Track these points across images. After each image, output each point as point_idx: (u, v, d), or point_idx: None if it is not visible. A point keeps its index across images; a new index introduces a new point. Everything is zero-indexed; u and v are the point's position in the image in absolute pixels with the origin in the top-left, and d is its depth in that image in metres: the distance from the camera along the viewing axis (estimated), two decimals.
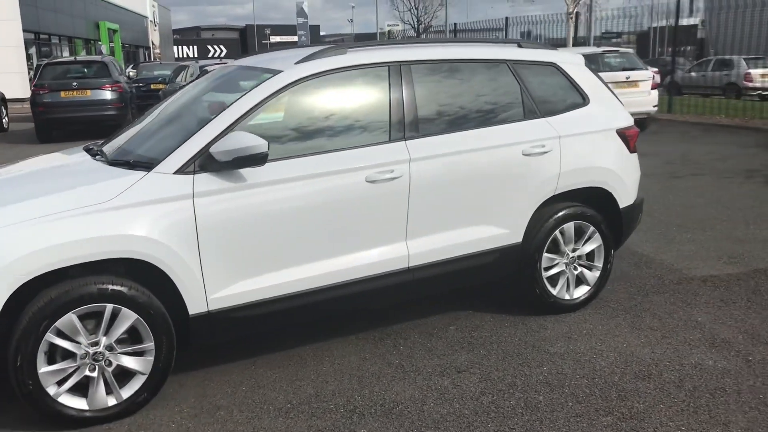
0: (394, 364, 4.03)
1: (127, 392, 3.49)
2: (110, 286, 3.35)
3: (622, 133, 4.79)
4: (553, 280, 4.64)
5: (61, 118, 15.21)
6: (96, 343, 3.38)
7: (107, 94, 15.46)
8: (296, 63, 3.96)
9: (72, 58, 16.92)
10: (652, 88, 13.78)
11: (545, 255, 4.54)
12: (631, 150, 4.85)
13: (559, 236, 4.57)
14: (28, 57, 33.86)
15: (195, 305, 3.56)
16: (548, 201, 4.52)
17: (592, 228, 4.66)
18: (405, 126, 4.06)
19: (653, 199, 8.17)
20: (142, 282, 3.49)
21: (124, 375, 3.50)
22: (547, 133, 4.48)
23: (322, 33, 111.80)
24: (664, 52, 42.89)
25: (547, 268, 4.59)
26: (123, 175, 3.54)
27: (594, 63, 13.76)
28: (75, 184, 3.52)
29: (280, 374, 3.94)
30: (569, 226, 4.58)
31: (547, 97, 4.63)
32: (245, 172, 3.63)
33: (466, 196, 4.21)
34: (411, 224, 4.06)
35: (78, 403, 3.40)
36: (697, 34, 45.65)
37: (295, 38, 74.21)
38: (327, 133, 3.95)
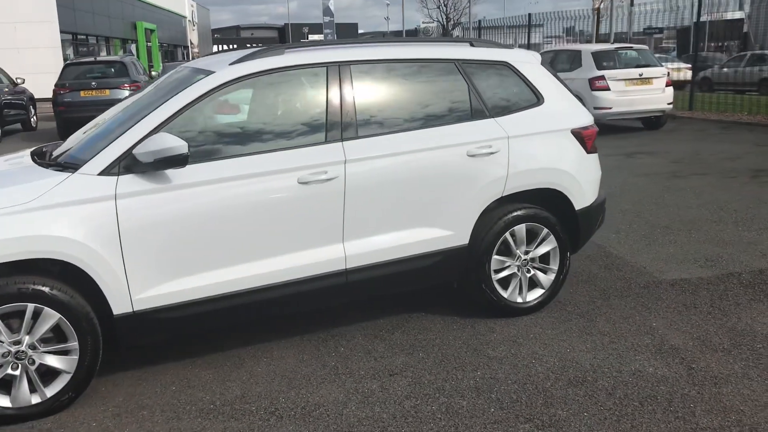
0: (329, 366, 4.01)
1: (51, 391, 3.53)
2: (31, 286, 3.40)
3: (578, 133, 4.69)
4: (505, 282, 4.57)
5: (80, 117, 15.48)
6: (18, 342, 3.43)
7: (125, 94, 15.69)
8: (230, 64, 3.96)
9: (92, 59, 17.23)
10: (666, 85, 13.45)
11: (495, 257, 4.47)
12: (589, 150, 4.75)
13: (510, 238, 4.49)
14: (66, 58, 34.66)
15: (119, 306, 3.59)
16: (497, 202, 4.45)
17: (545, 230, 4.57)
18: (342, 127, 4.04)
19: (647, 199, 7.99)
20: (72, 282, 3.53)
21: (49, 374, 3.54)
22: (495, 133, 4.41)
23: (360, 30, 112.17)
24: (705, 48, 41.84)
25: (498, 271, 4.53)
26: (49, 176, 3.59)
27: (608, 60, 13.52)
28: (2, 185, 3.58)
29: (214, 375, 3.95)
30: (520, 228, 4.51)
31: (498, 97, 4.55)
32: (171, 173, 3.64)
33: (406, 198, 4.16)
34: (348, 226, 4.04)
35: (1, 400, 3.46)
36: (743, 28, 44.33)
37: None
38: (260, 134, 3.94)
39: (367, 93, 4.18)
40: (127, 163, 3.57)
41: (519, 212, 4.48)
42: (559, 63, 14.09)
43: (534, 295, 4.66)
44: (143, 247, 3.58)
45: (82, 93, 15.53)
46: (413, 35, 60.61)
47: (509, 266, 4.55)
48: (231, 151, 3.83)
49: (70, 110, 15.55)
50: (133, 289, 3.60)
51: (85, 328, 3.53)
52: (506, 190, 4.43)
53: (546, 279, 4.67)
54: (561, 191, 4.62)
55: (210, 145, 3.81)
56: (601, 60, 13.25)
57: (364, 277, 4.14)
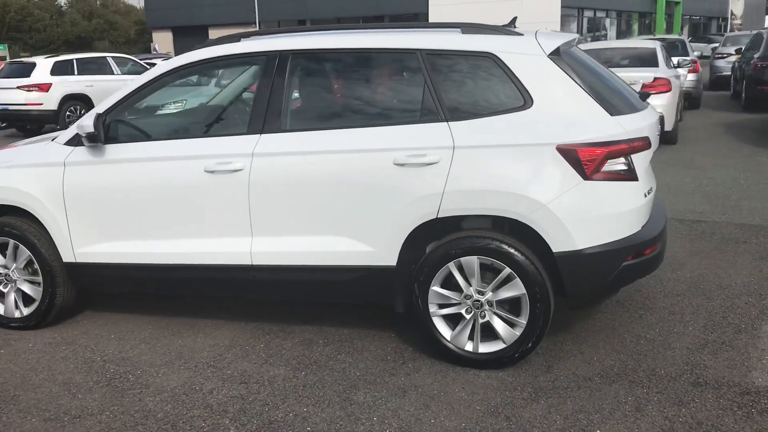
0: (195, 353, 4.02)
1: (27, 311, 4.45)
2: (7, 228, 4.33)
3: (570, 151, 3.46)
4: (453, 322, 3.77)
5: None
6: (5, 266, 4.43)
7: None
8: (193, 50, 4.17)
9: None
10: None
11: (436, 289, 3.72)
12: (590, 175, 3.46)
13: (455, 270, 3.66)
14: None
15: (66, 254, 4.28)
16: (438, 225, 3.67)
17: (508, 270, 3.58)
18: (266, 119, 3.88)
19: None
20: (40, 230, 4.32)
21: (27, 297, 4.45)
22: (436, 141, 3.61)
23: None
24: None
25: (443, 306, 3.76)
26: (44, 144, 4.43)
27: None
28: (14, 150, 4.56)
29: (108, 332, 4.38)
30: (470, 261, 3.63)
31: (467, 97, 3.67)
32: (110, 148, 4.12)
33: (317, 202, 3.79)
34: (255, 221, 3.91)
35: None
36: None
37: None
38: (191, 119, 4.10)
39: (303, 85, 3.91)
40: (80, 137, 4.18)
41: (465, 241, 3.62)
42: None
43: (490, 347, 3.72)
44: (79, 209, 4.18)
45: None
46: None
47: (456, 304, 3.72)
48: (161, 134, 4.11)
49: None
50: (75, 243, 4.24)
51: (51, 266, 4.32)
52: (442, 211, 3.60)
53: (507, 332, 3.66)
54: (528, 224, 3.52)
55: (146, 127, 4.16)
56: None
57: (271, 277, 3.96)
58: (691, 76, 14.90)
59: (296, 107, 3.91)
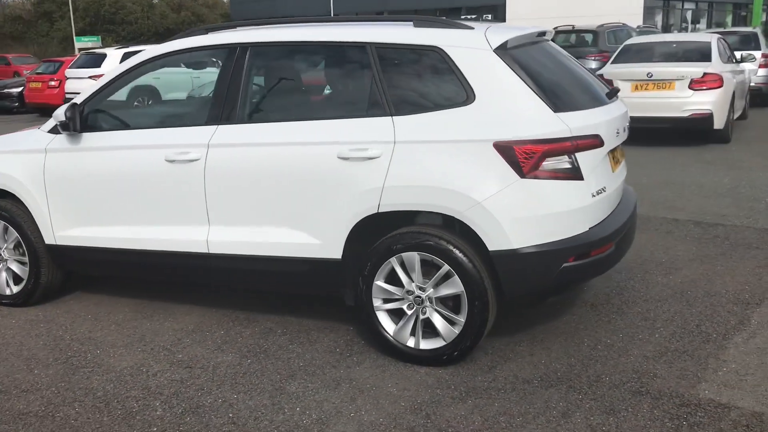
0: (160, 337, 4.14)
1: (16, 289, 4.70)
2: (1, 204, 4.58)
3: (507, 148, 3.37)
4: (396, 316, 3.75)
5: None
6: None
7: (592, 65, 15.55)
8: (166, 42, 4.30)
9: (570, 27, 17.24)
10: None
11: (379, 284, 3.71)
12: (527, 173, 3.37)
13: (397, 266, 3.65)
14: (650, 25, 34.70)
15: (48, 237, 4.50)
16: (378, 220, 3.65)
17: (447, 267, 3.54)
18: (223, 110, 3.96)
19: None
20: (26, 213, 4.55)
21: (18, 277, 4.71)
22: (379, 135, 3.59)
23: None
24: None
25: (387, 301, 3.75)
26: (31, 129, 4.67)
27: None
28: (5, 136, 4.82)
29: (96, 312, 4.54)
30: (411, 257, 3.60)
31: (412, 91, 3.64)
32: (85, 136, 4.31)
33: (268, 194, 3.84)
34: (211, 211, 4.00)
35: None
36: None
37: None
38: (158, 110, 4.22)
39: (259, 77, 3.97)
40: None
41: (406, 237, 3.59)
42: None
43: (431, 344, 3.68)
44: (58, 194, 4.38)
45: None
46: None
47: (398, 299, 3.71)
48: (132, 123, 4.26)
49: None
50: (54, 226, 4.45)
51: (35, 248, 4.55)
52: (382, 206, 3.58)
53: (447, 329, 3.62)
54: (464, 222, 3.46)
55: (120, 116, 4.30)
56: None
57: (227, 266, 4.05)
58: (762, 71, 14.15)
59: (253, 99, 3.97)
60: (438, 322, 3.64)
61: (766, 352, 3.75)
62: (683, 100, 9.81)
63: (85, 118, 4.30)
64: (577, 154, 3.44)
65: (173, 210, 4.10)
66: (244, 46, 3.99)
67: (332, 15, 41.13)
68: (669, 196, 7.30)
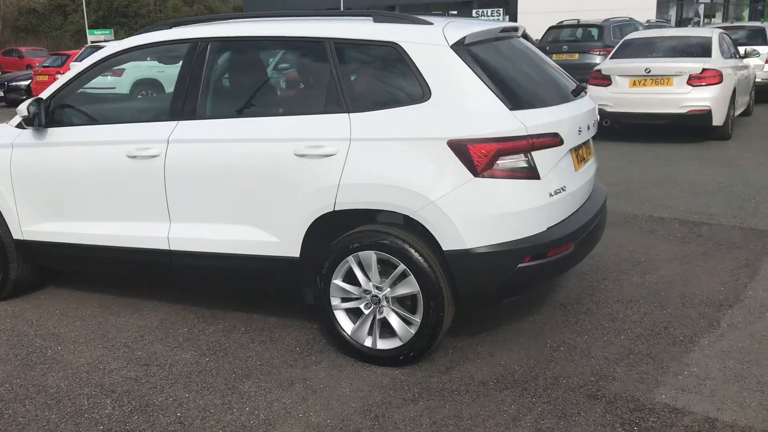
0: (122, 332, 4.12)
1: None
2: None
3: (460, 146, 3.31)
4: (355, 316, 3.71)
5: None
6: None
7: (596, 59, 15.38)
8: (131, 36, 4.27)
9: (575, 21, 17.05)
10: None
11: (337, 283, 3.66)
12: (481, 172, 3.31)
13: (354, 265, 3.60)
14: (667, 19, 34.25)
15: (15, 231, 4.49)
16: (335, 218, 3.61)
17: (403, 266, 3.48)
18: (184, 106, 3.93)
19: None
20: None
21: None
22: (335, 132, 3.54)
23: None
24: None
25: (346, 300, 3.70)
26: (1, 124, 4.66)
27: None
28: None
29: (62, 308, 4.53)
30: (368, 256, 3.55)
31: (370, 87, 3.59)
32: (50, 131, 4.29)
33: (226, 190, 3.80)
34: (172, 207, 3.97)
35: None
36: None
37: None
38: (120, 105, 4.19)
39: (219, 73, 3.93)
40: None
41: (362, 235, 3.55)
42: None
43: (388, 344, 3.64)
44: (24, 189, 4.37)
45: (554, 56, 15.84)
46: None
47: (356, 299, 3.66)
48: (97, 118, 4.22)
49: None
50: (22, 221, 4.44)
51: (4, 242, 4.54)
52: (338, 204, 3.54)
53: (403, 329, 3.57)
54: (418, 221, 3.41)
55: (87, 111, 4.28)
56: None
57: (187, 263, 4.02)
58: None
59: (212, 95, 3.93)
60: (394, 321, 3.59)
61: (729, 355, 3.68)
62: (681, 96, 9.67)
63: (52, 113, 4.29)
64: (534, 153, 3.38)
65: (135, 206, 4.07)
66: (204, 41, 3.95)
67: (341, 8, 41.06)
68: (658, 194, 7.20)
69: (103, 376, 3.66)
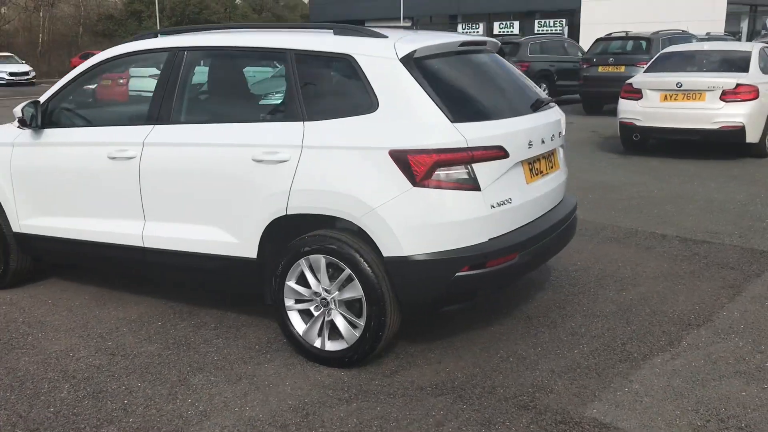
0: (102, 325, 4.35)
1: None
2: None
3: (401, 157, 3.40)
4: (307, 317, 3.84)
5: (595, 92, 15.75)
6: None
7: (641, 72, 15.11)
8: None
9: (623, 33, 16.71)
10: None
11: (290, 284, 3.80)
12: (420, 181, 3.39)
13: (305, 268, 3.73)
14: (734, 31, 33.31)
15: (14, 225, 4.80)
16: (289, 222, 3.75)
17: (348, 271, 3.60)
18: (160, 111, 4.15)
19: None
20: None
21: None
22: (289, 139, 3.68)
23: None
24: None
25: (299, 301, 3.84)
26: (8, 124, 4.99)
27: None
28: None
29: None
30: (317, 259, 3.69)
31: (325, 97, 3.74)
32: (46, 132, 4.58)
33: (192, 192, 4.00)
34: (146, 206, 4.19)
35: None
36: None
37: None
38: (104, 109, 4.45)
39: (190, 80, 4.13)
40: None
41: (311, 239, 3.68)
42: None
43: (336, 346, 3.75)
44: (22, 186, 4.67)
45: (600, 68, 15.68)
46: None
47: (308, 300, 3.79)
48: (87, 120, 4.49)
49: (588, 84, 15.94)
50: (20, 215, 4.75)
51: (5, 235, 4.87)
52: (290, 209, 3.68)
53: (349, 332, 3.68)
54: (360, 227, 3.52)
55: (80, 113, 4.55)
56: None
57: (160, 260, 4.23)
58: None
59: (184, 101, 4.14)
60: (341, 324, 3.70)
61: (678, 374, 3.64)
62: (713, 112, 9.44)
63: (49, 115, 4.58)
64: (475, 165, 3.44)
65: (115, 205, 4.31)
66: (180, 50, 4.17)
67: (402, 17, 41.35)
68: (670, 210, 7.08)
69: (70, 363, 3.90)
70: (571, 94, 18.34)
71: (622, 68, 15.36)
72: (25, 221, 4.73)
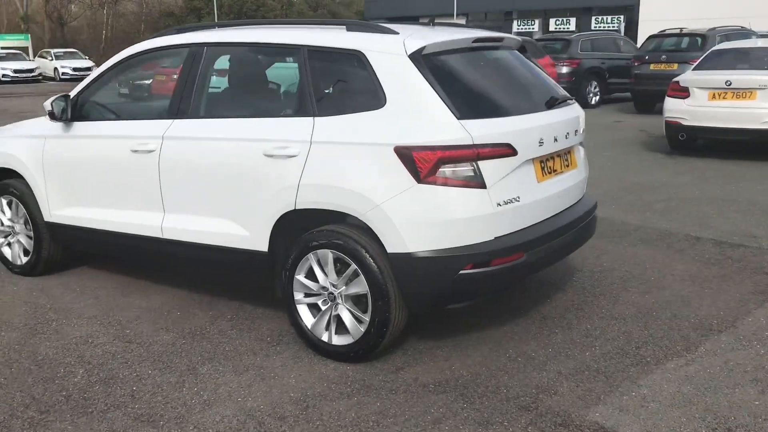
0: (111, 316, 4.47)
1: (25, 260, 5.24)
2: (14, 183, 5.12)
3: (406, 153, 3.39)
4: (316, 311, 3.88)
5: (648, 90, 15.35)
6: (12, 220, 5.24)
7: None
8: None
9: (678, 30, 16.21)
10: None
11: (299, 278, 3.84)
12: (424, 178, 3.38)
13: (314, 262, 3.77)
14: None
15: (46, 214, 4.98)
16: (299, 216, 3.78)
17: (354, 266, 3.62)
18: (180, 105, 4.24)
19: None
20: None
21: (26, 249, 5.23)
22: (299, 135, 3.71)
23: None
24: None
25: (309, 295, 3.88)
26: (40, 117, 5.17)
27: None
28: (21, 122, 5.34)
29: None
30: (325, 254, 3.71)
31: (336, 93, 3.75)
32: (76, 125, 4.73)
33: (207, 185, 4.08)
34: (166, 199, 4.29)
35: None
36: None
37: None
38: (131, 103, 4.56)
39: (209, 75, 4.19)
40: None
41: (319, 234, 3.71)
42: None
43: (342, 340, 3.77)
44: (53, 176, 4.84)
45: (651, 66, 15.30)
46: None
47: (317, 294, 3.83)
48: (115, 114, 4.62)
49: (639, 83, 15.56)
50: (51, 205, 4.92)
51: (38, 224, 5.06)
52: (298, 204, 3.71)
53: (354, 327, 3.70)
54: (366, 223, 3.52)
55: (109, 107, 4.68)
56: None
57: (177, 251, 4.32)
58: None
59: (202, 95, 4.21)
60: (347, 319, 3.72)
61: (689, 380, 3.54)
62: (764, 111, 9.11)
63: (79, 108, 4.73)
64: (481, 162, 3.41)
65: (137, 196, 4.43)
66: (199, 46, 4.24)
67: (455, 14, 41.09)
68: (709, 212, 6.87)
69: (87, 349, 4.02)
70: (624, 92, 17.92)
71: (675, 66, 14.92)
72: (55, 211, 4.90)
